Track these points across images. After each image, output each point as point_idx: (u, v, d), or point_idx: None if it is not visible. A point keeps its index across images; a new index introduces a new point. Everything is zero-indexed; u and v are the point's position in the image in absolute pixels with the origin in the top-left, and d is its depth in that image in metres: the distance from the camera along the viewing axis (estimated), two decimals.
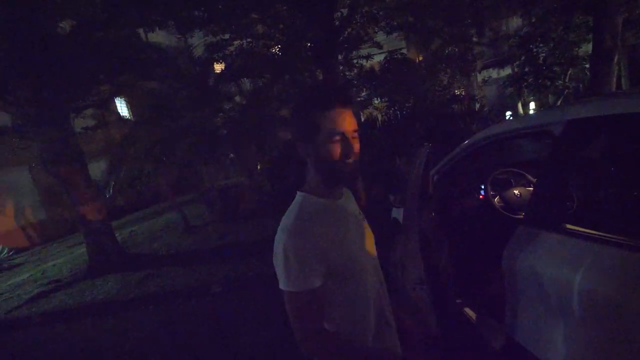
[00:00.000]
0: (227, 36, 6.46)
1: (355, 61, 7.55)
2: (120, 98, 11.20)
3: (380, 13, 6.33)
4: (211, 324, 3.15)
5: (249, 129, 7.31)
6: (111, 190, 6.96)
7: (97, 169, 7.07)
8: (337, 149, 0.78)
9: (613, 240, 1.02)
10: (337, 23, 5.55)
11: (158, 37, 8.37)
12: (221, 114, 7.81)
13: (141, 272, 5.05)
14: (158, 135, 6.67)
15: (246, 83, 8.80)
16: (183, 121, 6.65)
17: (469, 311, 2.04)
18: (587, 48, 8.26)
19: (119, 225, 9.44)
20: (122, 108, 12.00)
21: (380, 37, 7.77)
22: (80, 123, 6.06)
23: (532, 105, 13.25)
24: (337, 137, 0.78)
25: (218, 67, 7.90)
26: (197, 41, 7.60)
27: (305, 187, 0.86)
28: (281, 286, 0.79)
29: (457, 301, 2.19)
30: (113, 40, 4.93)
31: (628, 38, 8.11)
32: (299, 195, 0.86)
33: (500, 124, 1.84)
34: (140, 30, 6.31)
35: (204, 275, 4.46)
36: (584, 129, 1.21)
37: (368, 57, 7.43)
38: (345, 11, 5.73)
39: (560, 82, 8.41)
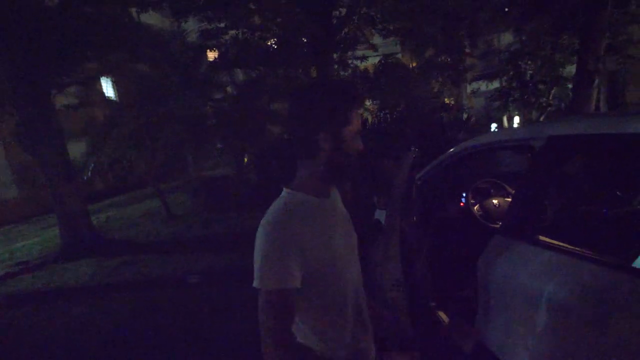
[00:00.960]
0: (222, 24, 6.35)
1: (350, 61, 7.58)
2: (107, 78, 10.83)
3: (378, 16, 6.39)
4: (184, 315, 3.11)
5: (239, 120, 7.22)
6: (89, 173, 6.72)
7: (76, 149, 6.80)
8: (357, 143, 0.81)
9: (583, 254, 1.08)
10: (334, 22, 5.56)
11: (152, 19, 8.14)
12: (211, 103, 7.68)
13: (117, 258, 4.92)
14: (144, 119, 6.49)
15: (239, 74, 8.68)
16: (171, 107, 6.50)
17: (442, 315, 2.10)
18: (571, 69, 8.61)
19: (97, 209, 9.14)
20: (107, 88, 11.60)
21: (377, 40, 7.83)
22: (61, 100, 5.82)
23: (516, 119, 13.70)
24: (358, 132, 0.80)
25: (211, 56, 7.76)
26: (192, 26, 7.43)
27: (294, 183, 0.84)
28: (255, 284, 0.74)
29: (432, 304, 2.25)
30: (104, 17, 4.75)
31: (609, 64, 8.50)
32: (284, 192, 0.83)
33: (484, 135, 1.91)
34: (133, 11, 6.12)
35: (182, 265, 4.39)
36: (563, 145, 1.27)
37: (363, 58, 7.47)
38: (343, 11, 5.74)
39: (544, 99, 8.73)
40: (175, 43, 6.79)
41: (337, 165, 0.81)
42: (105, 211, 8.96)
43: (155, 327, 2.97)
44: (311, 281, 0.78)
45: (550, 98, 8.79)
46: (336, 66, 6.99)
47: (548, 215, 1.30)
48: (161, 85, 6.57)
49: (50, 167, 5.12)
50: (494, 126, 11.92)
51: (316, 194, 0.82)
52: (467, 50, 9.58)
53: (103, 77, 10.33)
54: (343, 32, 6.04)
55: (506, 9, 7.01)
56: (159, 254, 4.90)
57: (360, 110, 0.85)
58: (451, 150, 2.08)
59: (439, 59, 8.91)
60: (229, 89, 8.66)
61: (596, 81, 4.58)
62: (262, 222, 0.78)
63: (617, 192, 1.17)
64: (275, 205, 0.81)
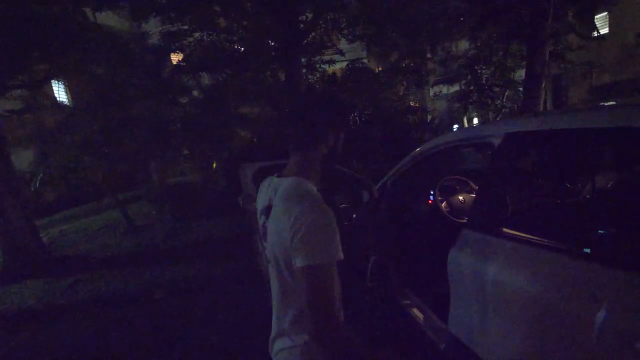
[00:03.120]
0: (185, 26, 6.13)
1: (318, 65, 7.64)
2: (58, 81, 10.02)
3: (344, 20, 6.49)
4: (150, 333, 2.91)
5: (206, 125, 6.99)
6: (38, 183, 6.13)
7: (24, 158, 6.21)
8: (342, 150, 0.98)
9: (542, 243, 1.15)
10: (301, 26, 5.58)
11: (110, 20, 7.67)
12: (176, 107, 7.37)
13: (70, 277, 4.50)
14: (101, 124, 6.07)
15: (205, 77, 8.43)
16: (132, 112, 6.14)
17: (416, 312, 2.14)
18: (521, 73, 9.34)
19: (47, 223, 8.39)
20: (59, 92, 10.75)
21: (343, 45, 7.98)
22: (3, 105, 5.30)
23: (475, 120, 14.56)
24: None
25: (175, 59, 7.46)
26: (154, 29, 7.11)
27: (301, 173, 0.92)
28: (318, 260, 0.78)
29: (405, 302, 2.30)
30: (53, 15, 4.39)
31: (552, 68, 9.32)
32: (295, 179, 0.90)
33: (445, 135, 1.99)
34: (88, 11, 5.73)
35: (146, 279, 4.13)
36: (520, 141, 1.35)
37: (331, 62, 7.57)
38: (310, 15, 5.78)
39: (499, 101, 9.38)
40: (137, 45, 6.45)
41: (333, 159, 0.96)
42: (57, 225, 8.23)
43: (116, 349, 2.75)
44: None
45: (504, 100, 9.46)
46: (304, 70, 7.02)
47: (510, 208, 1.38)
48: (121, 89, 6.20)
49: None
50: (455, 127, 12.58)
51: (314, 184, 0.92)
52: (429, 56, 10.04)
53: (54, 80, 9.55)
54: (310, 36, 6.07)
55: (461, 18, 7.45)
56: (120, 269, 4.57)
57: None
58: (416, 150, 2.15)
59: (403, 64, 9.26)
60: (195, 92, 8.37)
61: (543, 83, 5.00)
62: (304, 205, 0.82)
63: (567, 184, 1.26)
64: (304, 187, 0.88)
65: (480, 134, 1.60)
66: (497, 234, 1.32)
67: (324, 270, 0.78)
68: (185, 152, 8.43)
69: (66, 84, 9.86)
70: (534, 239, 1.18)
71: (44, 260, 5.01)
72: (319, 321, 0.78)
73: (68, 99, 10.72)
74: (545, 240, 1.15)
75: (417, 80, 9.60)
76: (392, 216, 2.43)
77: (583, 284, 0.98)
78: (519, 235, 1.23)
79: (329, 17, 6.21)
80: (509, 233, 1.28)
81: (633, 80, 11.29)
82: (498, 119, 9.91)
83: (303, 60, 6.56)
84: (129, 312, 3.35)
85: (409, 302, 2.27)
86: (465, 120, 12.98)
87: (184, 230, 6.15)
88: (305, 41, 5.86)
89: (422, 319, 2.05)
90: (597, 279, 0.95)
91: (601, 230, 1.01)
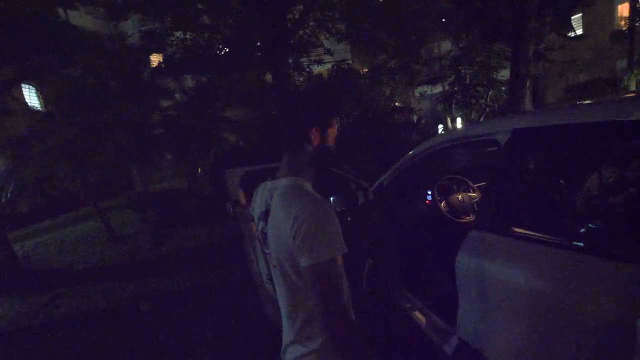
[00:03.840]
0: (167, 25, 5.89)
1: (306, 64, 7.53)
2: (29, 85, 9.53)
3: (332, 18, 6.40)
4: (136, 349, 2.74)
5: (190, 129, 6.77)
6: (9, 194, 5.76)
7: None
8: (334, 144, 0.96)
9: (555, 241, 1.10)
10: (289, 25, 5.48)
11: (84, 21, 7.35)
12: (158, 111, 7.11)
13: (49, 292, 4.23)
14: (77, 130, 5.77)
15: (188, 80, 8.19)
16: (110, 116, 5.86)
17: (418, 315, 2.07)
18: (504, 73, 9.57)
19: (22, 235, 7.92)
20: (31, 96, 10.23)
21: (329, 46, 7.92)
22: None
23: (459, 120, 14.83)
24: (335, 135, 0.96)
25: (156, 60, 7.20)
26: (132, 29, 6.83)
27: (294, 173, 0.92)
28: (324, 256, 0.77)
29: (406, 305, 2.23)
30: (21, 15, 4.12)
31: (532, 69, 9.60)
32: (291, 180, 0.90)
33: (445, 133, 1.94)
34: (60, 11, 5.44)
35: (130, 292, 3.91)
36: (528, 137, 1.30)
37: (320, 61, 7.49)
38: (297, 14, 5.69)
39: (482, 101, 9.56)
40: (115, 46, 6.16)
41: (323, 155, 0.94)
42: (33, 238, 7.78)
43: None
44: None
45: (488, 100, 9.65)
46: (292, 71, 6.92)
47: (520, 207, 1.33)
48: (98, 93, 5.91)
49: None
50: (440, 127, 12.75)
51: (309, 182, 0.94)
52: (422, 55, 10.10)
53: (24, 84, 9.07)
54: (297, 35, 5.97)
55: (443, 20, 7.55)
56: (102, 282, 4.32)
57: (337, 119, 1.00)
58: (414, 150, 2.09)
59: (389, 65, 9.31)
60: (178, 96, 8.12)
61: (528, 82, 5.10)
62: (305, 202, 0.83)
63: (580, 181, 1.22)
64: (300, 185, 0.90)
65: (486, 131, 1.54)
66: (508, 234, 1.26)
67: (330, 266, 0.77)
68: (169, 157, 8.17)
69: (37, 87, 9.39)
70: (547, 238, 1.13)
71: (19, 275, 4.68)
72: (332, 319, 0.76)
73: (40, 103, 10.21)
74: (560, 240, 1.10)
75: (409, 79, 9.65)
76: (390, 217, 2.36)
77: (602, 285, 0.93)
78: (532, 235, 1.18)
79: (316, 16, 6.13)
80: (521, 233, 1.23)
81: (605, 79, 11.82)
82: (482, 118, 10.10)
83: (290, 60, 6.47)
84: (114, 328, 3.14)
85: (409, 305, 2.20)
86: (449, 120, 13.21)
87: (169, 239, 5.92)
88: (292, 40, 5.76)
89: (424, 322, 1.98)
90: (618, 279, 0.90)
91: (620, 228, 0.96)
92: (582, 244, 1.07)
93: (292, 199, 0.84)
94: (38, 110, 9.38)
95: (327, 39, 7.18)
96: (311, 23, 6.26)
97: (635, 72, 8.15)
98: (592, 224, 1.18)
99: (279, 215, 0.84)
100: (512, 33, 5.32)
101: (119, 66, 5.84)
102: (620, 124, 0.99)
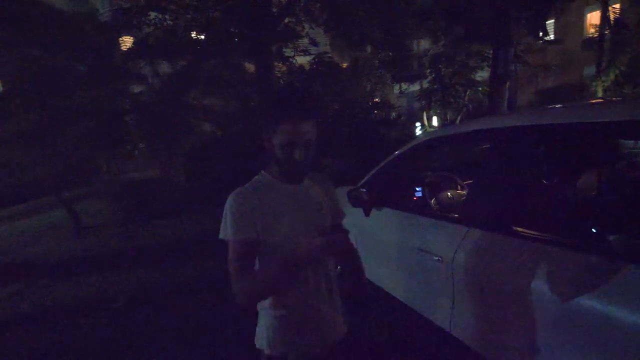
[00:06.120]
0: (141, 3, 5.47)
1: (291, 54, 7.27)
2: None
3: (318, 6, 6.17)
4: (108, 347, 2.58)
5: (164, 116, 6.41)
6: None
7: None
8: (285, 152, 0.91)
9: (555, 240, 1.11)
10: (275, 11, 5.26)
11: None
12: (130, 96, 6.67)
13: (7, 287, 3.90)
14: (38, 114, 5.29)
15: (164, 65, 7.73)
16: (78, 100, 5.42)
17: (410, 315, 2.07)
18: (481, 74, 9.85)
19: None
20: None
21: (314, 37, 7.71)
22: None
23: (434, 118, 15.15)
24: (287, 144, 0.89)
25: (128, 42, 6.72)
26: (103, 10, 6.30)
27: (268, 168, 1.01)
28: (220, 235, 0.95)
29: (396, 304, 2.22)
30: None
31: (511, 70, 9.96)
32: (260, 173, 1.02)
33: (442, 128, 1.94)
34: None
35: (100, 287, 3.68)
36: (527, 136, 1.30)
37: (305, 51, 7.28)
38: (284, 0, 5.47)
39: (460, 100, 9.82)
40: (83, 24, 5.65)
41: (276, 164, 0.97)
42: None
43: None
44: (264, 245, 0.95)
45: (466, 100, 9.92)
46: (276, 62, 6.67)
47: (520, 206, 1.34)
48: (62, 74, 5.43)
49: None
50: (418, 125, 12.96)
51: (281, 180, 0.99)
52: (415, 48, 9.95)
53: None
54: (283, 23, 5.75)
55: (425, 18, 7.56)
56: (69, 276, 4.03)
57: (304, 123, 0.88)
58: (403, 148, 2.06)
59: (376, 58, 9.22)
60: (152, 81, 7.66)
61: (507, 83, 5.26)
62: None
63: (580, 179, 1.24)
64: (253, 179, 1.02)
65: (481, 127, 1.54)
66: (506, 232, 1.27)
67: (227, 244, 0.93)
68: (141, 145, 7.73)
69: None
70: (545, 237, 1.14)
71: None
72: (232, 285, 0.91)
73: None
74: (559, 238, 1.11)
75: (394, 74, 9.57)
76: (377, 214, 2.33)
77: (601, 283, 0.94)
78: (532, 234, 1.19)
79: (302, 3, 5.90)
80: (519, 231, 1.23)
81: (573, 84, 12.50)
82: (458, 118, 10.38)
83: (273, 49, 6.23)
84: (84, 325, 2.93)
85: (399, 304, 2.20)
86: (425, 118, 13.45)
87: (141, 231, 5.63)
88: (277, 28, 5.54)
89: (416, 322, 1.98)
90: (617, 277, 0.91)
91: (619, 227, 0.98)
92: (584, 244, 1.06)
93: None
94: None
95: (313, 29, 6.97)
96: (298, 11, 6.04)
97: (602, 79, 8.63)
98: (596, 224, 1.18)
99: None
100: (493, 34, 5.45)
101: (88, 46, 5.39)
102: (627, 124, 1.00)
